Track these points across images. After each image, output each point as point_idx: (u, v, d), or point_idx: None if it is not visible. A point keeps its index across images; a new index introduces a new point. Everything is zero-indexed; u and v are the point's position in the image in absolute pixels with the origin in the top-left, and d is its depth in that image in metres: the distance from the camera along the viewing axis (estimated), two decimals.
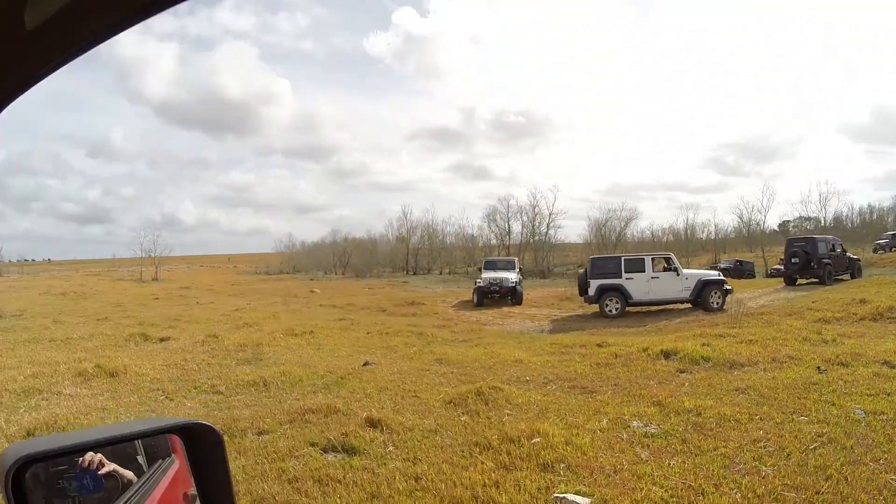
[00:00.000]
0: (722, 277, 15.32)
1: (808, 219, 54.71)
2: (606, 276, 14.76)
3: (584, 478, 3.55)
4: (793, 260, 19.05)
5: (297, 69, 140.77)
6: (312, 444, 4.32)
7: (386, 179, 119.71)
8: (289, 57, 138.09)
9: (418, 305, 19.75)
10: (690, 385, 6.01)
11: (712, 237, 48.85)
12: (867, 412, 4.68)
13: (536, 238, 46.53)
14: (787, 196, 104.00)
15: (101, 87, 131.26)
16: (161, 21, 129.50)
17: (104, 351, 9.20)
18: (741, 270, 32.41)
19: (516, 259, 22.44)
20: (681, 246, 40.50)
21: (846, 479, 3.47)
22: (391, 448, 4.26)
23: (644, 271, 14.74)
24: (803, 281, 19.00)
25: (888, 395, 5.09)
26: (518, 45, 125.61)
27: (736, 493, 3.34)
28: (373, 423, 4.68)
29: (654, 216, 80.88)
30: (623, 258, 15.37)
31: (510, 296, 18.80)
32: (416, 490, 3.47)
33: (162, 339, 10.52)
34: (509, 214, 48.02)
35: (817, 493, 3.32)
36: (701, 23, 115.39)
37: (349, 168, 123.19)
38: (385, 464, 3.94)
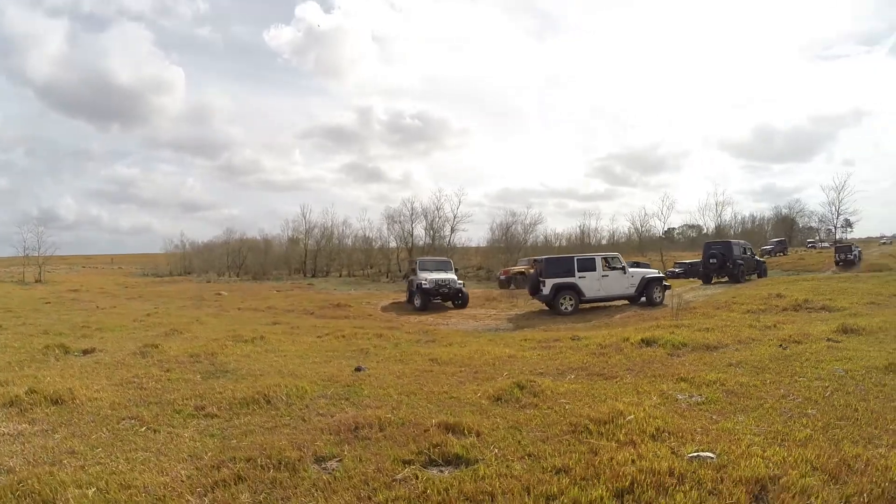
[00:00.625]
0: (662, 275, 17.45)
1: (692, 227, 63.40)
2: (560, 275, 15.82)
3: (689, 440, 4.06)
4: (711, 260, 21.91)
5: (193, 57, 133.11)
6: (406, 462, 3.71)
7: (278, 178, 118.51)
8: (185, 44, 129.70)
9: (344, 307, 19.47)
10: (692, 364, 6.88)
11: (603, 242, 53.70)
12: (845, 370, 5.96)
13: (437, 242, 47.74)
14: (668, 205, 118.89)
15: None
16: None
17: (23, 369, 7.55)
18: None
19: (450, 260, 22.59)
20: (576, 249, 44.21)
21: (868, 408, 4.69)
22: (496, 450, 3.93)
23: (595, 270, 15.99)
24: (717, 280, 22.08)
25: (849, 359, 6.45)
26: (419, 47, 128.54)
27: (807, 429, 4.23)
28: (450, 429, 4.34)
29: (546, 222, 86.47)
30: (576, 258, 16.45)
31: (457, 298, 18.94)
32: (581, 480, 3.35)
33: (86, 351, 9.05)
34: (412, 217, 48.51)
35: (855, 420, 4.44)
36: (595, 42, 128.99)
37: (240, 165, 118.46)
38: (509, 467, 3.60)
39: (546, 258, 17.31)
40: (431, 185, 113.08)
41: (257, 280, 44.36)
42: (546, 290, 15.76)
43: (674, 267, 36.32)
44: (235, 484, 3.46)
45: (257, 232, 57.44)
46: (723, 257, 21.77)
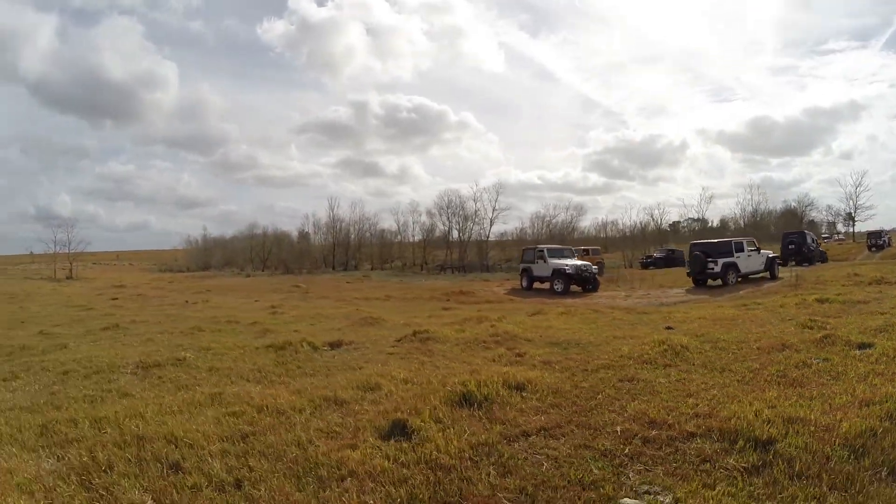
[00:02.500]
0: (777, 255, 21.35)
1: (696, 220, 66.15)
2: (725, 255, 19.00)
3: None
4: (790, 246, 26.51)
5: (185, 52, 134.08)
6: None
7: (274, 174, 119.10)
8: (176, 38, 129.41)
9: (469, 294, 21.00)
10: (870, 310, 9.65)
11: (628, 233, 55.77)
12: None
13: (468, 235, 49.19)
14: (665, 199, 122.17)
15: None
16: None
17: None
18: (673, 258, 38.44)
19: (571, 247, 24.48)
20: (616, 240, 46.07)
21: None
22: None
23: (743, 251, 19.35)
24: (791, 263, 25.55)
25: None
26: (412, 40, 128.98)
27: None
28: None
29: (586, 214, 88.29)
30: (732, 242, 19.64)
31: (589, 282, 20.61)
32: None
33: (333, 345, 8.40)
34: (450, 210, 49.64)
35: None
36: (587, 36, 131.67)
37: (236, 161, 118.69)
38: None
39: (697, 242, 20.90)
40: (429, 179, 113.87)
41: (291, 273, 44.81)
42: (718, 268, 18.84)
43: (646, 257, 39.08)
44: None
45: (247, 227, 58.00)
46: (799, 245, 26.41)
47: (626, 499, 3.01)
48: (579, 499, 3.01)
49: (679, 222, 69.95)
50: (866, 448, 3.40)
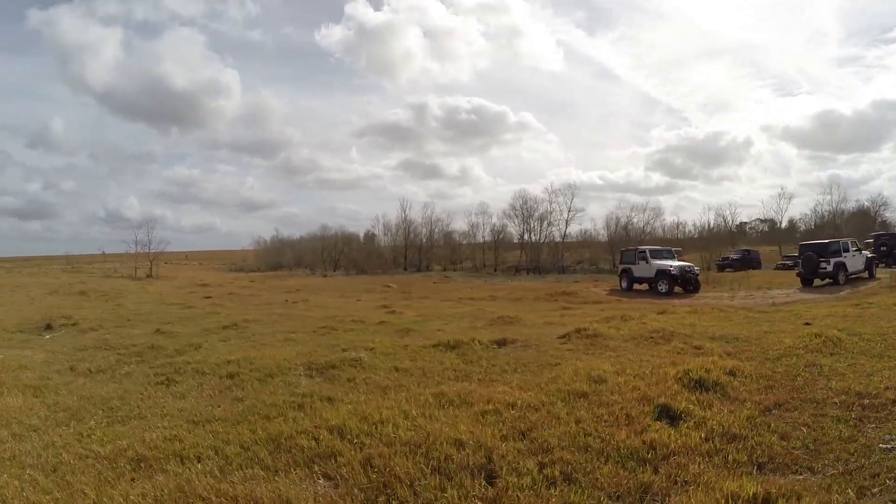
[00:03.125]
0: (874, 256, 22.31)
1: (764, 220, 64.85)
2: (836, 255, 20.29)
3: None
4: (882, 248, 27.27)
5: (246, 60, 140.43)
6: None
7: (335, 177, 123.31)
8: (237, 47, 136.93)
9: (573, 294, 22.41)
10: None
11: (695, 236, 55.56)
12: None
13: (544, 236, 50.49)
14: (729, 199, 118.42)
15: (41, 73, 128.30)
16: (105, 3, 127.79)
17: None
18: (749, 260, 38.48)
19: (672, 248, 25.57)
20: (690, 241, 46.20)
21: None
22: None
23: (849, 251, 20.69)
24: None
25: None
26: (470, 41, 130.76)
27: None
28: None
29: (598, 215, 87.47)
30: (840, 242, 20.99)
31: (691, 283, 21.53)
32: None
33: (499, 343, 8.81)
34: (524, 212, 51.16)
35: None
36: (645, 33, 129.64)
37: (297, 164, 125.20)
38: None
39: (816, 243, 22.02)
40: (489, 180, 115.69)
41: (364, 274, 47.50)
42: (830, 268, 20.18)
43: (783, 260, 38.49)
44: None
45: (318, 228, 61.11)
46: (891, 246, 27.51)
47: (880, 445, 4.06)
48: (845, 450, 4.01)
49: (746, 223, 68.69)
50: None
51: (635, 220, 50.76)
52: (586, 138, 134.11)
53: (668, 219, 54.36)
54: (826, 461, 3.90)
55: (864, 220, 53.16)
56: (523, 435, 4.21)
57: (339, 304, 19.95)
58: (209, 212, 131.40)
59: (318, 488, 3.39)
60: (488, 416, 4.66)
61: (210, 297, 22.82)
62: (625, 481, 3.44)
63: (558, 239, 51.78)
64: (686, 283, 21.34)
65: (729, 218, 56.02)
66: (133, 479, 3.67)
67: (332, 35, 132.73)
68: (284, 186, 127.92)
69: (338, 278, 43.23)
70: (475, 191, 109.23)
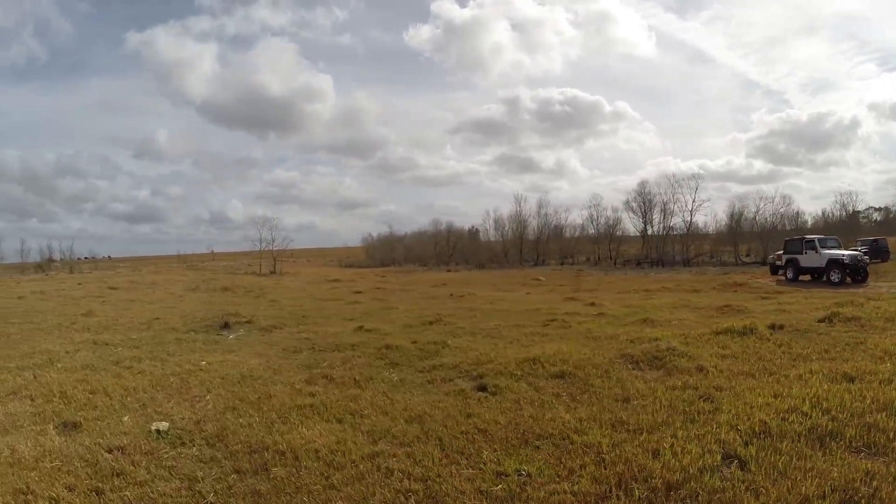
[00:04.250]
0: None
1: (879, 209, 59.37)
2: None
3: None
4: None
5: (337, 64, 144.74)
6: None
7: (431, 174, 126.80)
8: (328, 52, 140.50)
9: (744, 285, 21.53)
10: None
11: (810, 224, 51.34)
12: None
13: (665, 228, 48.59)
14: (836, 185, 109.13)
15: (144, 89, 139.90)
16: (198, 21, 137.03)
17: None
18: (878, 249, 35.65)
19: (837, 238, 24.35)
20: (817, 231, 42.87)
21: None
22: None
23: None
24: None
25: None
26: (559, 31, 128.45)
27: None
28: None
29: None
30: None
31: (860, 273, 20.38)
32: None
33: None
34: (647, 202, 49.65)
35: None
36: (743, 10, 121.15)
37: (393, 163, 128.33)
38: None
39: None
40: (586, 173, 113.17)
41: (483, 268, 48.06)
42: None
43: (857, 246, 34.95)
44: None
45: (416, 225, 62.43)
46: None
47: None
48: None
49: (859, 212, 63.06)
50: None
51: (761, 210, 47.29)
52: (683, 126, 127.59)
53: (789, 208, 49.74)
54: None
55: None
56: None
57: (514, 297, 19.86)
58: (309, 211, 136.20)
59: None
60: None
61: (360, 292, 23.41)
62: None
63: (678, 231, 49.32)
64: (855, 273, 20.17)
65: (850, 205, 51.15)
66: None
67: (420, 35, 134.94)
68: (382, 185, 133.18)
69: (470, 272, 43.95)
70: (571, 183, 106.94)
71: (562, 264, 50.61)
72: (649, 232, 49.70)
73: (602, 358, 7.47)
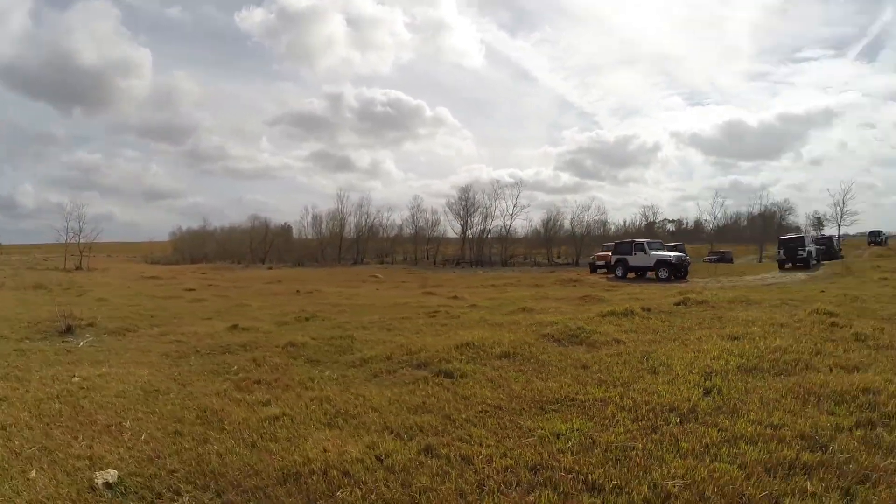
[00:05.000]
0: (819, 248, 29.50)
1: (672, 221, 74.23)
2: (802, 246, 27.64)
3: None
4: (820, 246, 32.81)
5: (160, 38, 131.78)
6: None
7: (244, 166, 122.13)
8: (153, 24, 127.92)
9: (580, 282, 24.88)
10: None
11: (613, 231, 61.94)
12: None
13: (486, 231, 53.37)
14: (634, 200, 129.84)
15: None
16: None
17: None
18: (724, 258, 45.71)
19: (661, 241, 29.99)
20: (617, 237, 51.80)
21: None
22: None
23: (805, 245, 28.02)
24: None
25: None
26: (396, 31, 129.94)
27: None
28: None
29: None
30: (804, 236, 28.13)
31: (681, 271, 25.46)
32: None
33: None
34: (470, 206, 53.54)
35: None
36: (565, 37, 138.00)
37: (206, 152, 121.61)
38: None
39: (792, 237, 29.23)
40: (400, 175, 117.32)
41: (302, 266, 46.91)
42: (805, 254, 27.50)
43: (709, 255, 45.65)
44: None
45: (225, 220, 59.92)
46: (828, 245, 34.62)
47: None
48: None
49: (655, 223, 77.92)
50: None
51: (576, 218, 55.20)
52: (500, 136, 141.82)
53: (586, 217, 59.18)
54: None
55: (765, 222, 61.18)
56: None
57: (365, 293, 20.20)
58: (110, 200, 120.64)
59: None
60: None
61: (194, 290, 21.97)
62: None
63: (495, 233, 54.65)
64: (678, 271, 24.99)
65: (650, 216, 63.42)
66: None
67: (252, 17, 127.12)
68: (190, 175, 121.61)
69: (295, 270, 42.68)
70: (385, 185, 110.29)
71: (381, 263, 52.09)
72: (469, 234, 53.79)
73: (529, 339, 8.24)
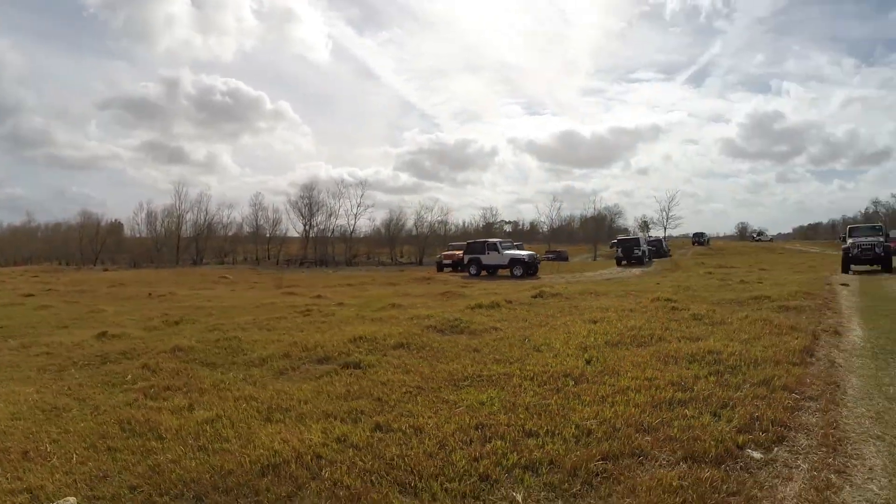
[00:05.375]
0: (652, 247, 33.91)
1: (509, 222, 79.95)
2: (637, 245, 33.14)
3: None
4: (651, 247, 37.80)
5: None
6: None
7: (69, 154, 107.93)
8: None
9: (433, 280, 26.05)
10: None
11: (453, 231, 65.35)
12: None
13: (332, 229, 52.71)
14: (471, 201, 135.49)
15: None
16: None
17: None
18: (560, 256, 49.95)
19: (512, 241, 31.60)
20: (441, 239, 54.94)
21: None
22: None
23: (641, 245, 33.13)
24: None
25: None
26: (242, 16, 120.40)
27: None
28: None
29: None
30: (639, 237, 31.81)
31: (532, 268, 27.47)
32: None
33: None
34: (313, 204, 52.27)
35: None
36: (412, 39, 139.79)
37: (27, 136, 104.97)
38: None
39: (628, 238, 33.89)
40: (237, 170, 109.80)
41: (139, 267, 42.46)
42: (640, 253, 32.31)
43: (546, 254, 50.79)
44: None
45: (50, 216, 53.04)
46: (658, 246, 39.63)
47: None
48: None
49: (493, 223, 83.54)
50: None
51: (421, 218, 57.08)
52: (341, 134, 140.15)
53: (430, 217, 61.62)
54: None
55: (598, 224, 68.05)
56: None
57: (222, 295, 19.06)
58: None
59: None
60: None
61: (33, 295, 19.38)
62: None
63: (338, 233, 54.43)
64: (530, 268, 27.36)
65: (489, 217, 68.00)
66: None
67: None
68: (8, 161, 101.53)
69: (135, 272, 37.92)
70: (221, 180, 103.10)
71: (221, 263, 49.12)
72: (312, 234, 52.88)
73: (416, 330, 8.69)
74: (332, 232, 52.53)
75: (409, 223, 56.40)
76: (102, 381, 6.50)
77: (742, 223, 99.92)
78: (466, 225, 69.69)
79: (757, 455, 3.56)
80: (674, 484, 3.16)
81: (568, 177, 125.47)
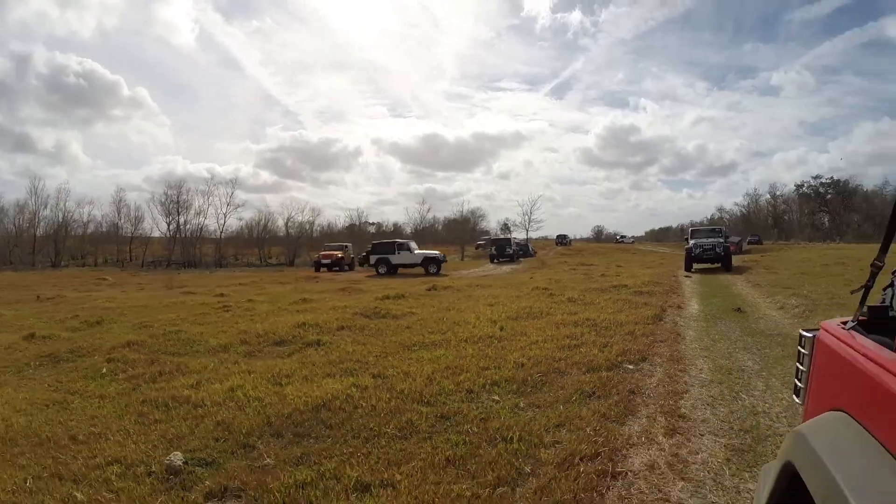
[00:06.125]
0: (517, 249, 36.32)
1: (373, 223, 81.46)
2: (509, 245, 35.90)
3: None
4: (516, 248, 41.17)
5: None
6: None
7: None
8: None
9: (317, 278, 26.84)
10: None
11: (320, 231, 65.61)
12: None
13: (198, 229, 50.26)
14: (333, 201, 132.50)
15: None
16: None
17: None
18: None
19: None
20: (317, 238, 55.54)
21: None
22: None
23: (511, 247, 33.45)
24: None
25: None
26: None
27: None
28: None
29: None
30: (510, 239, 36.37)
31: (436, 266, 29.11)
32: None
33: None
34: (180, 202, 49.28)
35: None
36: (286, 33, 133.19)
37: None
38: None
39: (501, 238, 38.22)
40: (88, 161, 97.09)
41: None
42: (511, 252, 37.45)
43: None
44: None
45: None
46: (524, 247, 43.69)
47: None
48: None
49: (357, 224, 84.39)
50: None
51: (292, 219, 56.55)
52: (200, 127, 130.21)
53: (300, 218, 61.19)
54: None
55: (462, 226, 69.67)
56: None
57: (117, 296, 17.95)
58: None
59: None
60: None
61: None
62: None
63: (207, 233, 52.32)
64: (439, 266, 28.80)
65: (355, 218, 69.10)
66: None
67: None
68: None
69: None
70: (70, 172, 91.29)
71: (83, 265, 44.68)
72: (178, 234, 50.22)
73: (347, 316, 9.93)
74: (200, 232, 49.97)
75: (279, 223, 55.55)
76: (81, 377, 6.46)
77: (598, 226, 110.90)
78: (331, 226, 69.64)
79: (630, 367, 5.91)
80: (585, 380, 5.33)
81: (431, 179, 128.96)
